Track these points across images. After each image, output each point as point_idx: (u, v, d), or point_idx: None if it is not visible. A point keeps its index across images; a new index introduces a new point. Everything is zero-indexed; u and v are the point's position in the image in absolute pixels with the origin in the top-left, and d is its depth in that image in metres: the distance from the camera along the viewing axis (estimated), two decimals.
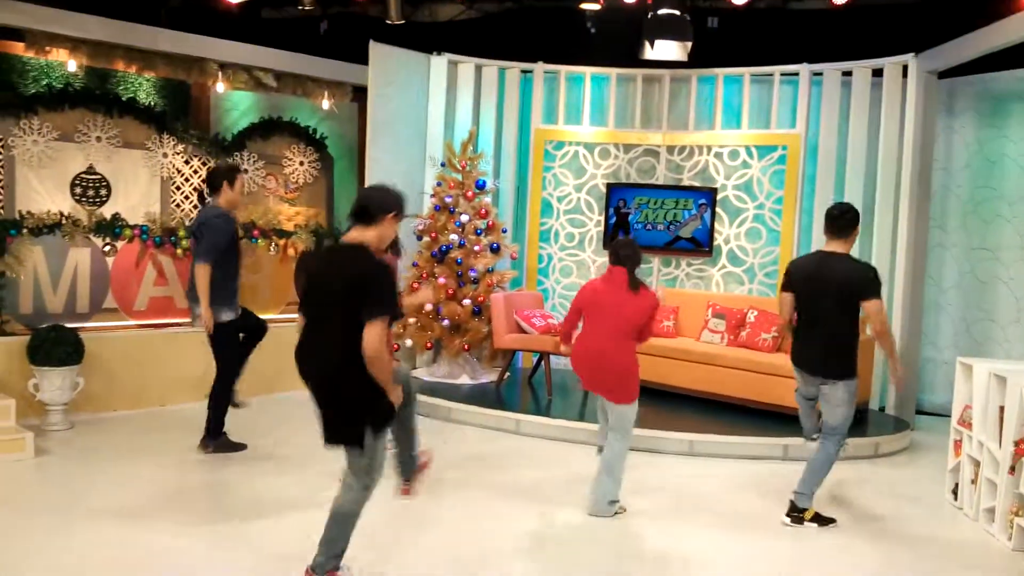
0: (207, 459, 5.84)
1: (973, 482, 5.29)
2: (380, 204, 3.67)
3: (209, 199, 5.98)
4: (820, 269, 4.89)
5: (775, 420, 6.81)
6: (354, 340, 3.40)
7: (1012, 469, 4.79)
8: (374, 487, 3.71)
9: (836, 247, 4.92)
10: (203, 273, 5.60)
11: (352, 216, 3.68)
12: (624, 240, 5.15)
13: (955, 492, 5.53)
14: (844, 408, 4.94)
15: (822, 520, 4.99)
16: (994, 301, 7.82)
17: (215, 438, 5.92)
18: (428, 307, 7.80)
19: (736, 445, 6.43)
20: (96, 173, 7.87)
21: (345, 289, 3.47)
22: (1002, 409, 4.98)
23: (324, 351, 3.56)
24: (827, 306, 4.83)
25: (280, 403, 7.39)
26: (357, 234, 3.65)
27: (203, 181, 5.90)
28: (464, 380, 8.06)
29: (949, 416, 5.78)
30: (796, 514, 4.99)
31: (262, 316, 6.39)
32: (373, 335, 3.39)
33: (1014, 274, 7.67)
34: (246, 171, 8.72)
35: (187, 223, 7.96)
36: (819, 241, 7.74)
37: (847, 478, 5.94)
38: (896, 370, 5.06)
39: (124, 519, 4.65)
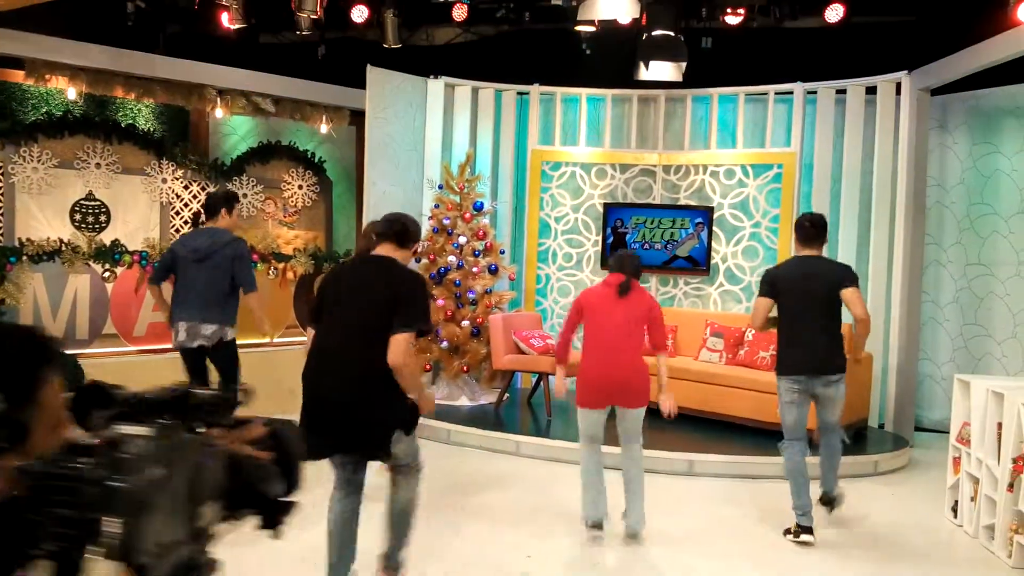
0: None
1: (972, 499, 5.29)
2: (416, 233, 3.91)
3: (205, 222, 5.95)
4: (805, 271, 5.05)
5: (773, 439, 6.77)
6: (383, 350, 3.49)
7: (1011, 486, 4.79)
8: (422, 466, 3.86)
9: (811, 252, 5.12)
10: (260, 298, 5.77)
11: (390, 235, 3.82)
12: (627, 251, 5.23)
13: (955, 510, 5.53)
14: (843, 401, 5.12)
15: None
16: (991, 317, 7.84)
17: None
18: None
19: (737, 464, 6.43)
20: (95, 199, 7.91)
21: (385, 298, 3.58)
22: (1000, 426, 4.99)
23: (353, 361, 3.60)
24: (819, 304, 4.99)
25: None
26: (388, 251, 3.81)
27: (201, 206, 5.91)
28: (463, 402, 8.07)
29: (947, 433, 5.79)
30: (834, 503, 5.30)
31: (262, 340, 6.41)
32: (398, 347, 3.49)
33: (1010, 289, 7.69)
34: (244, 195, 8.77)
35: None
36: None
37: (847, 496, 5.92)
38: (859, 358, 5.21)
39: None
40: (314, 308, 3.87)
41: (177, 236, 8.23)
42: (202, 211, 5.89)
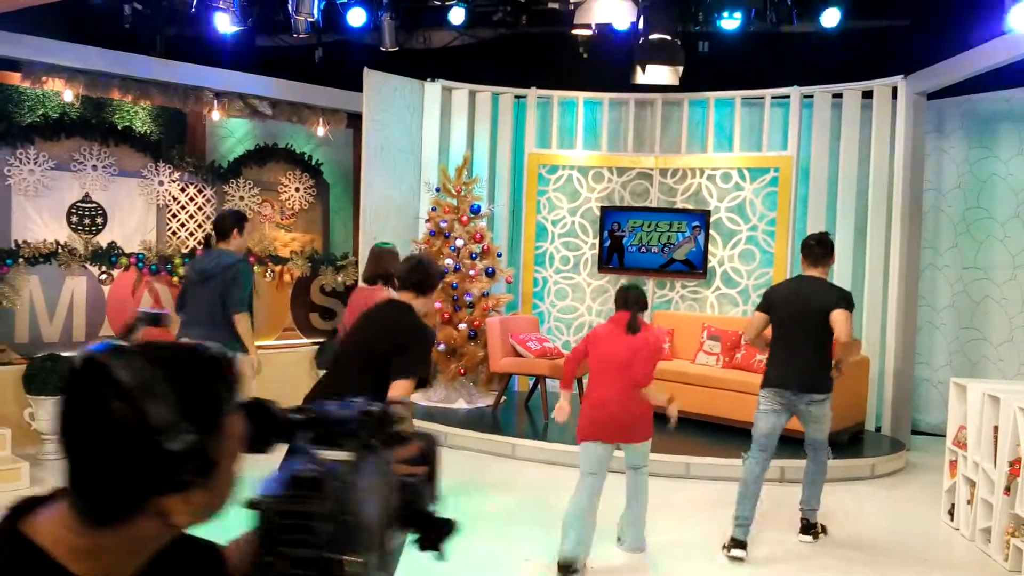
0: None
1: (969, 503, 5.30)
2: (435, 279, 3.97)
3: (217, 243, 5.86)
4: (801, 291, 5.06)
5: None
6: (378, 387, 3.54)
7: (1007, 489, 4.81)
8: None
9: (814, 273, 5.10)
10: (246, 321, 5.63)
11: (408, 285, 3.89)
12: (631, 286, 5.01)
13: (951, 513, 5.54)
14: (829, 421, 5.08)
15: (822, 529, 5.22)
16: (987, 320, 7.86)
17: None
18: None
19: (734, 467, 6.41)
20: (92, 201, 7.90)
21: (388, 345, 3.67)
22: (996, 429, 5.01)
23: (346, 387, 3.62)
24: (811, 325, 4.93)
25: None
26: (409, 297, 3.88)
27: (212, 227, 5.86)
28: (460, 404, 8.06)
29: (944, 436, 5.80)
30: (813, 530, 5.12)
31: (259, 342, 6.38)
32: (397, 392, 3.57)
33: (1007, 293, 7.72)
34: (242, 198, 8.77)
35: (183, 251, 7.98)
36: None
37: (843, 499, 5.94)
38: (841, 370, 5.13)
39: None
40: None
41: (174, 239, 8.23)
42: (212, 232, 5.83)
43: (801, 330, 4.97)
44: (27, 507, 1.09)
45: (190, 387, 1.02)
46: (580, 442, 4.65)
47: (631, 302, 4.70)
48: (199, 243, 8.21)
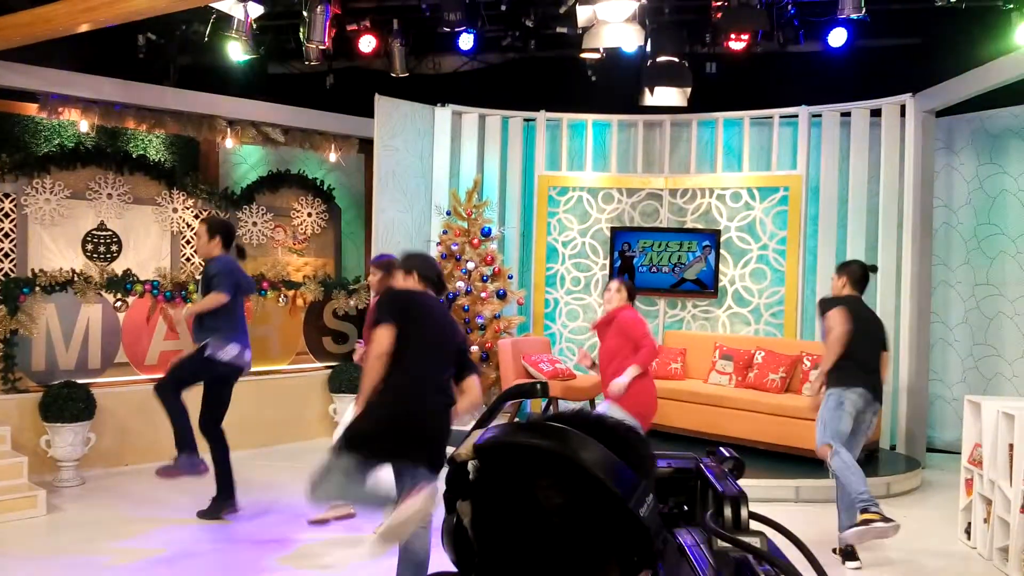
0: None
1: (985, 521, 5.26)
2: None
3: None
4: (869, 314, 5.52)
5: (786, 461, 6.80)
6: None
7: None
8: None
9: (859, 295, 5.49)
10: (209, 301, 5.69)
11: (431, 282, 4.11)
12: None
13: (968, 531, 5.50)
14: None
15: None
16: (1001, 337, 7.83)
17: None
18: None
19: (748, 487, 6.38)
20: (107, 229, 7.99)
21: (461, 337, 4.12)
22: (1012, 447, 4.98)
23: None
24: (877, 346, 5.37)
25: (278, 454, 7.41)
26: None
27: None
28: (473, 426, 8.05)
29: (959, 453, 5.77)
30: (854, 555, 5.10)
31: (272, 367, 6.43)
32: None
33: (1020, 309, 7.69)
34: (255, 224, 8.86)
35: (197, 277, 8.04)
36: (824, 279, 7.86)
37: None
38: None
39: None
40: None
41: (188, 265, 8.30)
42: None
43: (872, 347, 5.34)
44: None
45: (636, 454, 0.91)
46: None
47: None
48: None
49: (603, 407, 5.39)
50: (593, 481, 0.85)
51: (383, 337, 3.71)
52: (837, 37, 7.59)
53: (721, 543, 1.03)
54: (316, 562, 4.91)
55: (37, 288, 6.86)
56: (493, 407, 1.10)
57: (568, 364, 8.45)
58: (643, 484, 0.87)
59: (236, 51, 7.68)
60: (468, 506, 0.92)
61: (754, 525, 1.10)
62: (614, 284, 5.52)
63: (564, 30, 7.64)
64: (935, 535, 5.70)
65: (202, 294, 5.70)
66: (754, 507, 1.10)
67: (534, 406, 8.85)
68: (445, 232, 8.37)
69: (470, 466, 0.93)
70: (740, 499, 1.10)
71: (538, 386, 1.26)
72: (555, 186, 9.20)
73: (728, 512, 1.09)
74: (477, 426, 0.97)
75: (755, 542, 1.02)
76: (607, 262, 9.06)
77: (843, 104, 8.25)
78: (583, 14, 6.56)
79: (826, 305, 5.35)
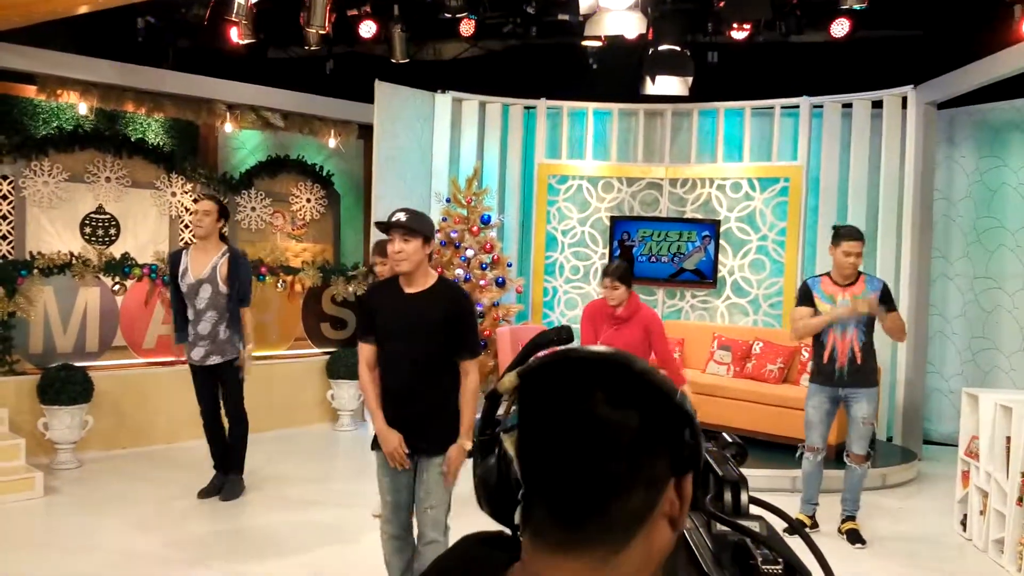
0: (218, 498, 5.85)
1: (982, 513, 5.28)
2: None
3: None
4: None
5: (783, 452, 6.80)
6: None
7: (1020, 500, 4.79)
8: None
9: None
10: (251, 316, 5.87)
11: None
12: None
13: (964, 523, 5.52)
14: None
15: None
16: (999, 330, 7.83)
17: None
18: None
19: (751, 477, 6.40)
20: (106, 213, 7.97)
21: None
22: (1009, 440, 4.99)
23: None
24: None
25: (276, 440, 7.42)
26: None
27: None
28: None
29: (956, 445, 5.78)
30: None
31: (271, 352, 6.45)
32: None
33: (1018, 303, 7.69)
34: (253, 209, 8.84)
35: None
36: (823, 271, 7.82)
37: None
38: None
39: (134, 559, 4.67)
40: None
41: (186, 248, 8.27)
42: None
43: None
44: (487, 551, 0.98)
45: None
46: None
47: None
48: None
49: None
50: (648, 387, 0.90)
51: (360, 352, 3.70)
52: (839, 27, 7.56)
53: (720, 526, 1.04)
54: (314, 547, 4.91)
55: (35, 271, 6.84)
56: (522, 355, 1.12)
57: None
58: (679, 391, 0.93)
59: (236, 35, 7.64)
60: (511, 437, 0.93)
61: (754, 510, 1.11)
62: (608, 281, 5.12)
63: (566, 17, 7.60)
64: (931, 526, 5.72)
65: (227, 286, 5.68)
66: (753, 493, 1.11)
67: None
68: (444, 219, 8.35)
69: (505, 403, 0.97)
70: (740, 484, 1.12)
71: (562, 333, 1.27)
72: (555, 174, 9.17)
73: (728, 496, 1.10)
74: (507, 371, 1.00)
75: (754, 526, 1.02)
76: (606, 251, 9.05)
77: (845, 95, 8.23)
78: (585, 1, 6.52)
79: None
